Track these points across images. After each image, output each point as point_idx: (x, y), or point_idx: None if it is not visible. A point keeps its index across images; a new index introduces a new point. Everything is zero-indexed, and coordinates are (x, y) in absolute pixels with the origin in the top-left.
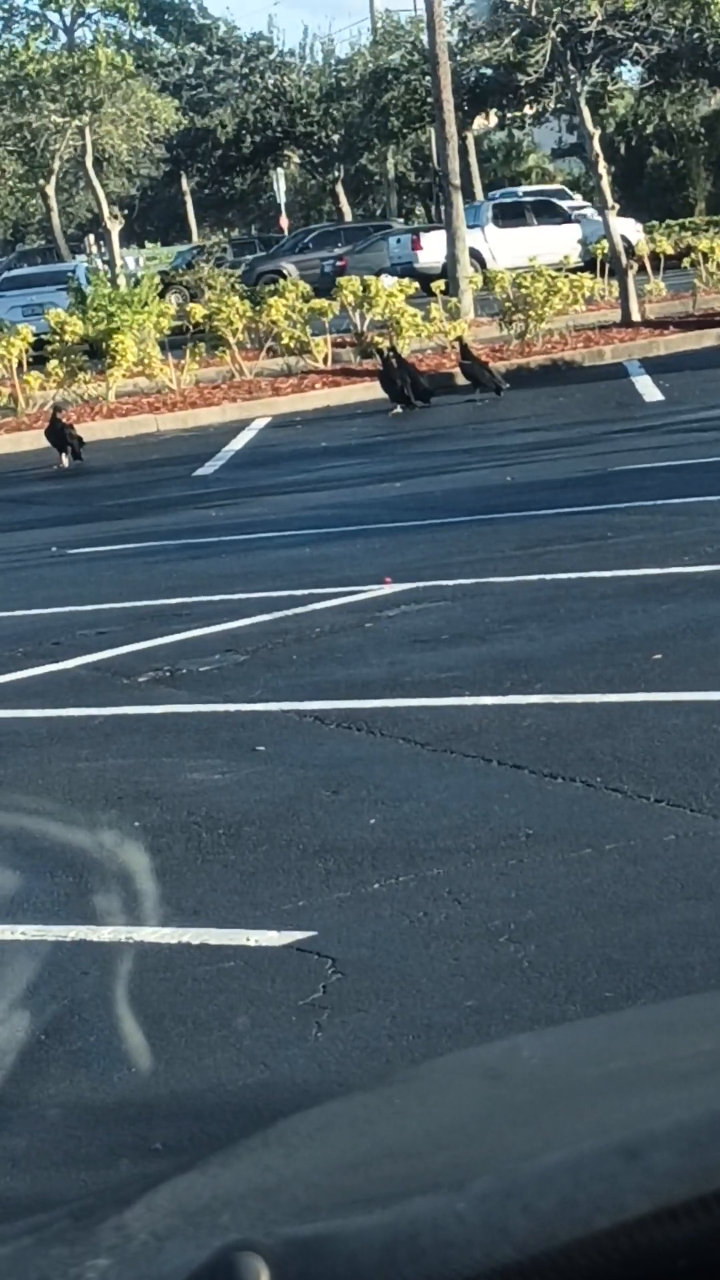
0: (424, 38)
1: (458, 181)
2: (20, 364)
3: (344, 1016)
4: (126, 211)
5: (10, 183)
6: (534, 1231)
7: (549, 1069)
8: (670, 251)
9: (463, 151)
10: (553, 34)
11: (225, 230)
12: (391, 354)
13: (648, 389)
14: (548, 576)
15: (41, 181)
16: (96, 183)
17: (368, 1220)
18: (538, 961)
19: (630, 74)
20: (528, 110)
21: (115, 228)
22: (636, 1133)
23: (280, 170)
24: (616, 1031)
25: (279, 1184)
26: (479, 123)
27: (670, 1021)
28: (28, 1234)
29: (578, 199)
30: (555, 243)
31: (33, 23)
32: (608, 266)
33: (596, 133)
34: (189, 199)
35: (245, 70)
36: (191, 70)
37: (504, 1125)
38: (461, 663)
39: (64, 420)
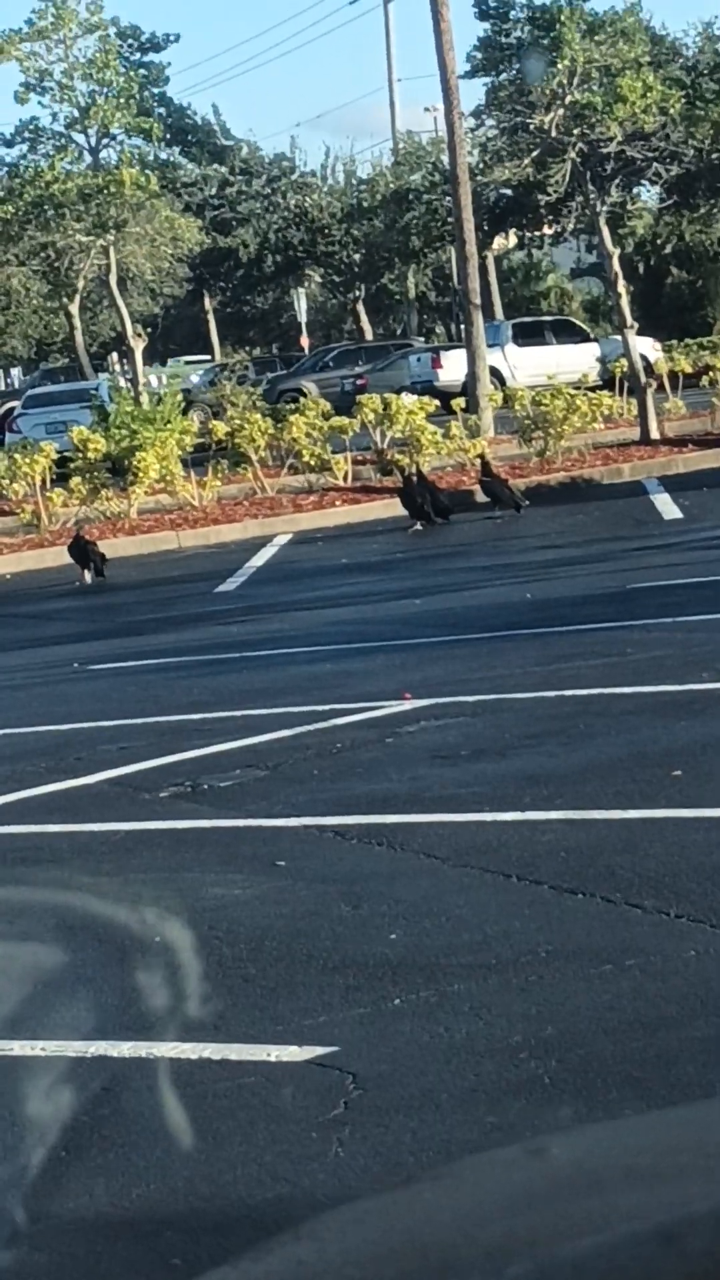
0: (445, 158)
1: (478, 300)
2: (44, 481)
3: (365, 1132)
4: (149, 329)
5: (35, 301)
6: None
7: (578, 1162)
8: (689, 370)
9: (483, 271)
10: (572, 154)
11: (247, 348)
12: (412, 471)
13: (667, 507)
14: (567, 692)
15: (65, 300)
16: (120, 301)
17: None
18: (559, 1078)
19: (649, 194)
20: (547, 230)
21: (138, 346)
22: (673, 1218)
23: (302, 289)
24: (641, 1130)
25: (313, 1277)
26: (499, 242)
27: (694, 1119)
28: None
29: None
30: (574, 361)
31: (58, 143)
32: (626, 385)
33: (616, 252)
34: (211, 317)
35: (268, 190)
36: (214, 190)
37: (536, 1213)
38: (481, 778)
39: (87, 537)
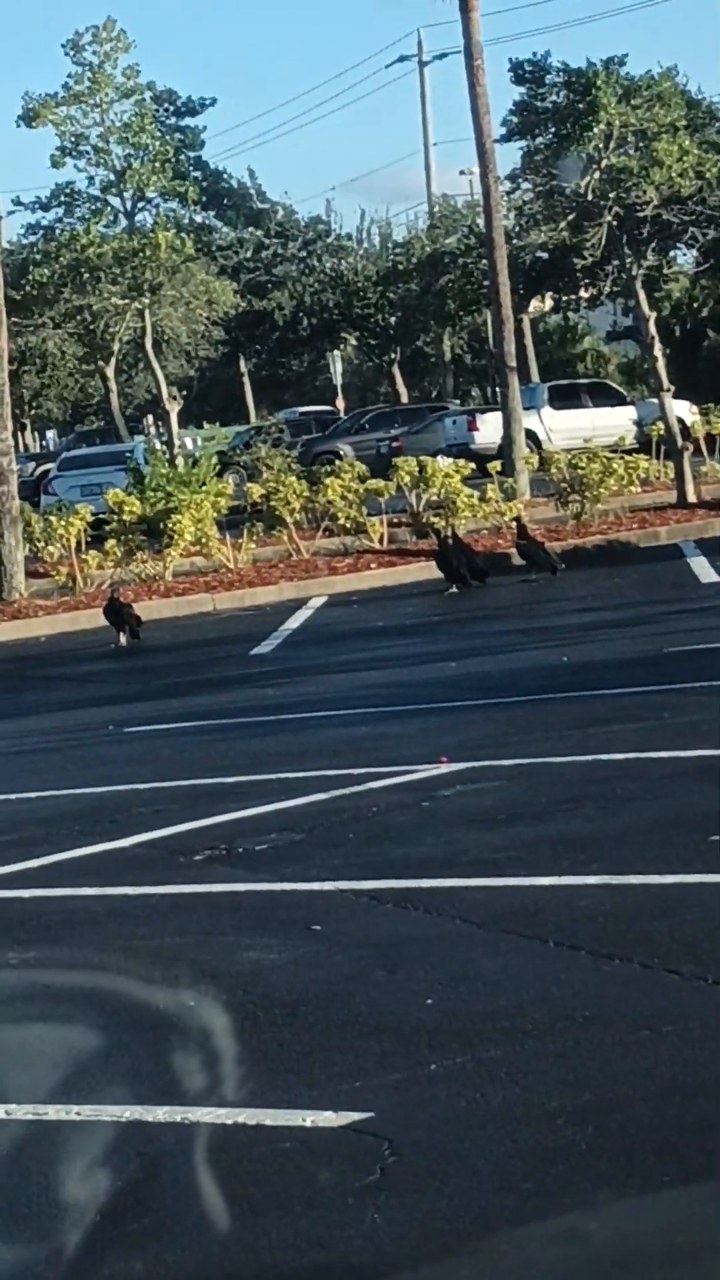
0: (480, 222)
1: (514, 363)
2: (79, 543)
3: (401, 1199)
4: (185, 392)
5: (70, 364)
6: None
7: (617, 1239)
8: None
9: (518, 334)
10: (609, 218)
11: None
12: (448, 534)
13: (703, 570)
14: (604, 756)
15: (101, 363)
16: (155, 364)
17: None
18: (596, 1144)
19: (685, 257)
20: (583, 293)
21: (174, 408)
22: None
23: (337, 352)
24: (679, 1204)
25: None
26: (535, 305)
27: None
28: None
29: None
30: (611, 424)
31: (94, 207)
32: (663, 448)
33: (652, 315)
34: (247, 380)
35: (303, 253)
36: (250, 253)
37: None
38: (518, 842)
39: (122, 599)
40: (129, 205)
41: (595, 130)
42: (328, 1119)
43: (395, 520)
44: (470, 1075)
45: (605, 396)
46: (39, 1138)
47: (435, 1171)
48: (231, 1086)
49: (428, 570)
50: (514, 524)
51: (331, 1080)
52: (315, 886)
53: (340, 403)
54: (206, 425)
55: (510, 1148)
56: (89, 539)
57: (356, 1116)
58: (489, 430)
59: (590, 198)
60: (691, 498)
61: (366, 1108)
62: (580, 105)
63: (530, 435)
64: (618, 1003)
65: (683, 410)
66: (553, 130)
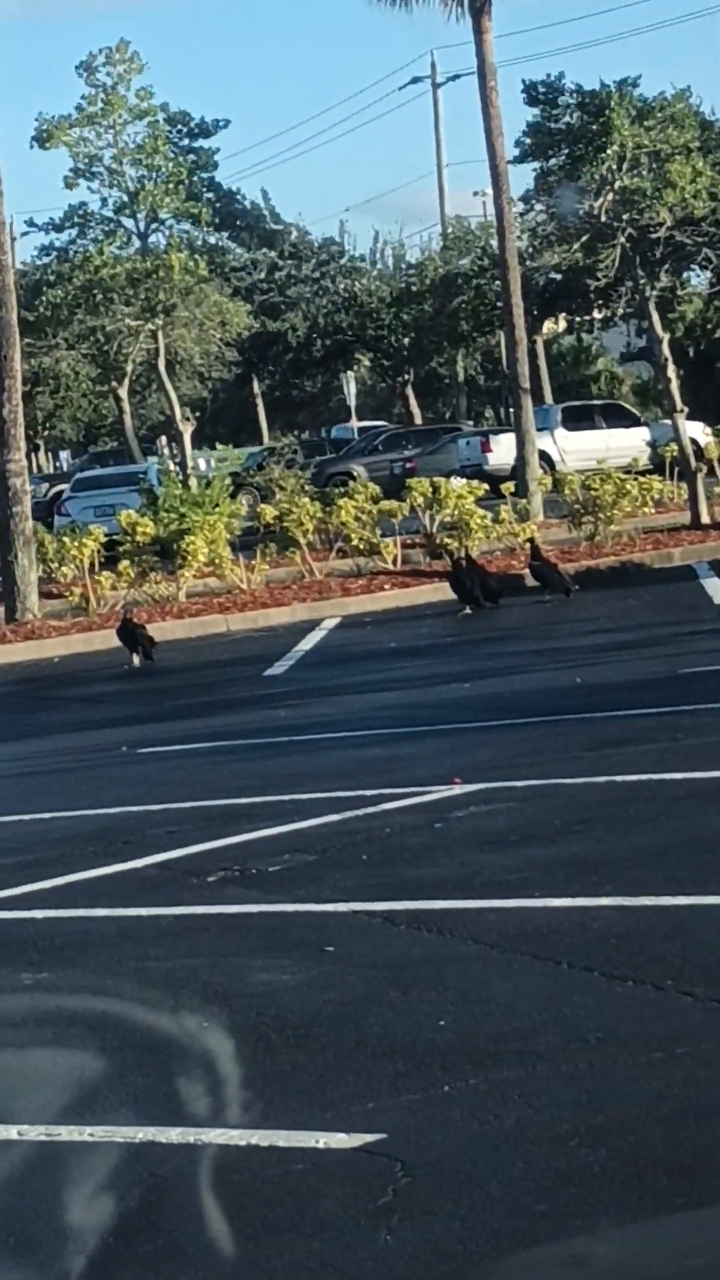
0: (494, 243)
1: (527, 385)
2: (92, 564)
3: (414, 1220)
4: (198, 413)
5: (84, 385)
6: None
7: (629, 1263)
8: None
9: (532, 355)
10: (622, 239)
11: (295, 432)
12: (461, 555)
13: (717, 591)
14: (617, 778)
15: (114, 384)
16: (169, 385)
17: None
18: (609, 1166)
19: (699, 279)
20: (597, 314)
21: (187, 429)
22: None
23: (350, 373)
24: (691, 1229)
25: None
26: (548, 327)
27: None
28: None
29: None
30: (624, 445)
31: (107, 228)
32: (676, 469)
33: (665, 336)
34: (260, 401)
35: (317, 275)
36: (263, 275)
37: None
38: (531, 864)
39: (135, 620)
40: (142, 226)
41: (609, 151)
42: (340, 1140)
43: (409, 541)
44: (483, 1097)
45: (619, 418)
46: (51, 1159)
47: (448, 1193)
48: (244, 1108)
49: (441, 591)
50: (527, 545)
51: (344, 1102)
52: (328, 908)
53: (354, 423)
54: (220, 446)
55: (523, 1170)
56: (102, 560)
57: (369, 1138)
58: (502, 451)
59: (603, 219)
60: (705, 519)
61: (379, 1129)
62: (594, 126)
63: (544, 456)
64: (631, 1024)
65: (696, 431)
66: (566, 151)
